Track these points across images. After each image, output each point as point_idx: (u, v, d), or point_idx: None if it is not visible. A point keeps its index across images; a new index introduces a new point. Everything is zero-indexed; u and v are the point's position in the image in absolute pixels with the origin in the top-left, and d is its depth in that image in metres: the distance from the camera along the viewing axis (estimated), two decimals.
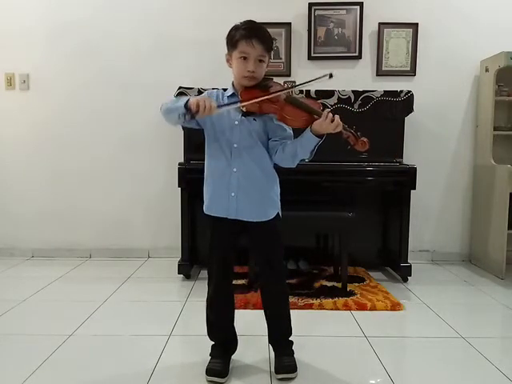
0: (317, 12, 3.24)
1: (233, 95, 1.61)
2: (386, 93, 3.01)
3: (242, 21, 1.58)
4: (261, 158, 1.60)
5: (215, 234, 1.65)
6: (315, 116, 1.51)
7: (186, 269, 2.83)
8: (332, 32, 3.26)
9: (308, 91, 2.93)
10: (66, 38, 3.29)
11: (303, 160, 1.58)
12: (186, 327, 2.14)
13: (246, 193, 1.58)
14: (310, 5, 3.22)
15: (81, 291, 2.61)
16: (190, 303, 2.43)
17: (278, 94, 1.52)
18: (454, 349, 1.92)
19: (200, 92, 2.96)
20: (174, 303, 2.43)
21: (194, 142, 2.98)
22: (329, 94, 2.99)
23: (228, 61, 1.62)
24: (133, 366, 1.73)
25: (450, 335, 2.04)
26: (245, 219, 1.60)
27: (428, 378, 1.67)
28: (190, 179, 2.74)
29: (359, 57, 3.27)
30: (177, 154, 3.04)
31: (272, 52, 1.63)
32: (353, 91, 3.00)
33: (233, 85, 1.64)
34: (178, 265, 2.83)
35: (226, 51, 1.61)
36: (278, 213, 1.66)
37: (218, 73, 3.22)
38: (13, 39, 3.29)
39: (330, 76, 1.51)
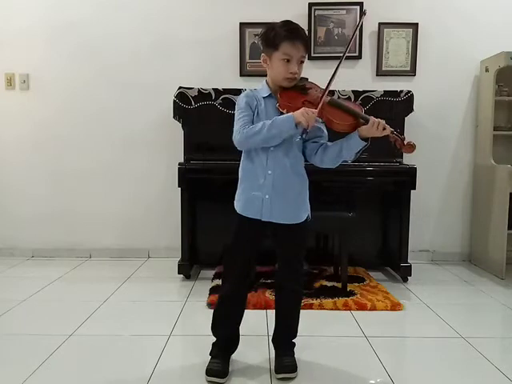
0: (317, 12, 3.24)
1: (269, 96, 1.59)
2: (386, 93, 3.01)
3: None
4: (295, 161, 1.60)
5: (243, 235, 1.62)
6: (361, 120, 1.51)
7: (186, 269, 2.83)
8: (332, 32, 3.26)
9: None
10: (66, 38, 3.29)
11: (345, 161, 1.59)
12: (185, 327, 2.14)
13: (279, 195, 1.57)
14: (310, 5, 3.22)
15: (81, 291, 2.61)
16: (190, 303, 2.43)
17: (324, 97, 1.51)
18: (454, 349, 1.91)
19: (200, 92, 2.96)
20: (174, 303, 2.43)
21: (194, 142, 2.99)
22: (329, 94, 2.98)
23: (265, 61, 1.59)
24: (133, 365, 1.73)
25: (450, 335, 2.04)
26: (278, 221, 1.58)
27: (428, 378, 1.67)
28: (190, 179, 2.74)
29: (359, 57, 3.27)
30: (177, 153, 3.04)
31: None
32: (353, 91, 3.01)
33: (267, 85, 1.62)
34: (178, 265, 2.83)
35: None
36: (309, 215, 1.66)
37: (218, 73, 3.25)
38: (13, 39, 3.28)
39: (364, 13, 1.50)
